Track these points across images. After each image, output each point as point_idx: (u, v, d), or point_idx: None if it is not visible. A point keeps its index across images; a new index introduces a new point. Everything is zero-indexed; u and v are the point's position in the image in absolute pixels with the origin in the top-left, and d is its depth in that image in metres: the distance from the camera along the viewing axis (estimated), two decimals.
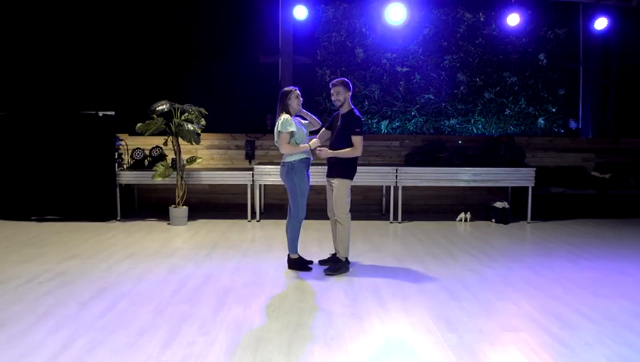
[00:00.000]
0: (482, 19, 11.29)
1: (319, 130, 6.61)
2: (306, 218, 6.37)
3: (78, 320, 4.68)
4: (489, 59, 11.32)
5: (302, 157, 6.19)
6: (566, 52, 11.62)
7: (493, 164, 9.97)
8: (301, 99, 6.29)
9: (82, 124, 9.40)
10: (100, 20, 10.78)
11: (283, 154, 6.22)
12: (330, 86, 6.34)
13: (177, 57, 11.03)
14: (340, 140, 6.27)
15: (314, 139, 6.36)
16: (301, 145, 6.14)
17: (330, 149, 6.36)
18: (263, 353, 4.05)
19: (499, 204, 9.79)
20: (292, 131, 6.06)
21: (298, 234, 6.37)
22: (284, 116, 6.11)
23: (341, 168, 6.28)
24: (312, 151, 6.36)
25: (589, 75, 12.11)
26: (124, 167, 9.95)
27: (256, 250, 7.49)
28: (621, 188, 10.50)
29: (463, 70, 11.29)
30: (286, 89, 6.29)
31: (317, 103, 11.08)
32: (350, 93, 6.31)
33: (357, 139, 6.20)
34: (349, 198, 6.36)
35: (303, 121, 6.44)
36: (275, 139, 6.21)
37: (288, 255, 6.45)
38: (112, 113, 9.45)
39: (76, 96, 10.60)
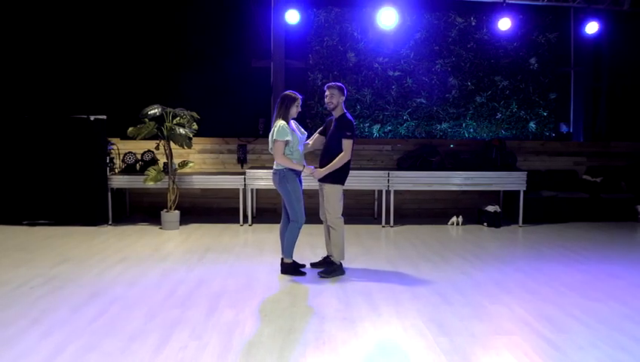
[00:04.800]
0: (474, 23, 11.34)
1: (309, 136, 6.62)
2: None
3: (70, 324, 4.65)
4: (480, 64, 11.37)
5: None
6: (557, 56, 11.70)
7: (485, 168, 9.99)
8: (300, 109, 6.26)
9: (74, 128, 9.36)
10: (91, 25, 10.75)
11: (275, 161, 6.19)
12: (325, 88, 6.34)
13: (169, 61, 11.02)
14: (333, 144, 6.27)
15: (310, 168, 6.25)
16: (294, 162, 6.09)
17: (324, 152, 6.38)
18: (255, 357, 4.04)
19: (491, 208, 9.81)
20: (287, 140, 6.04)
21: (296, 240, 6.34)
22: (281, 123, 6.04)
23: (332, 173, 6.25)
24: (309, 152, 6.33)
25: (580, 79, 12.18)
26: (116, 171, 9.92)
27: (248, 253, 7.48)
28: (612, 192, 10.55)
29: (454, 74, 11.33)
30: (291, 95, 6.19)
31: (309, 107, 11.08)
32: (344, 98, 6.32)
33: (347, 143, 6.19)
34: (342, 203, 6.35)
35: (302, 129, 6.39)
36: (270, 146, 6.17)
37: (282, 259, 6.43)
38: (104, 117, 9.42)
39: (68, 100, 10.55)
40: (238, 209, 9.75)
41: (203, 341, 4.34)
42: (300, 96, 6.23)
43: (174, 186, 9.35)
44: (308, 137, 6.56)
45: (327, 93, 6.31)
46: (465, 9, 11.30)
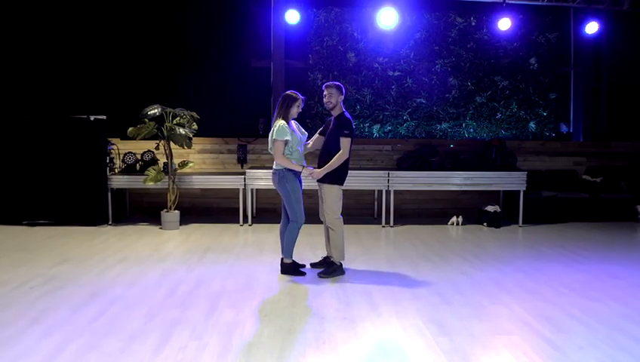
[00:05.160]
0: (474, 23, 11.34)
1: (309, 136, 6.62)
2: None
3: (70, 324, 4.65)
4: (480, 64, 11.38)
5: None
6: (557, 56, 11.70)
7: (485, 168, 9.99)
8: (301, 109, 6.27)
9: (74, 128, 9.36)
10: (92, 24, 10.75)
11: (275, 161, 6.19)
12: (324, 87, 6.35)
13: (169, 61, 11.02)
14: (332, 142, 6.26)
15: (309, 168, 6.24)
16: (294, 163, 6.09)
17: (322, 151, 6.38)
18: (255, 357, 4.04)
19: (490, 208, 9.81)
20: (287, 140, 6.04)
21: (296, 240, 6.34)
22: (281, 123, 6.04)
23: (330, 173, 6.23)
24: (308, 154, 6.33)
25: (580, 79, 12.19)
26: (116, 171, 9.93)
27: (248, 253, 7.48)
28: (612, 192, 10.55)
29: (454, 74, 11.34)
30: (292, 95, 6.19)
31: (309, 107, 11.08)
32: (342, 97, 6.33)
33: (345, 141, 6.18)
34: (341, 203, 6.34)
35: (303, 129, 6.41)
36: (270, 146, 6.18)
37: (282, 259, 6.43)
38: (104, 117, 9.42)
39: (68, 100, 10.55)
40: (238, 209, 9.75)
41: (203, 341, 4.34)
42: (301, 97, 6.23)
43: (174, 186, 9.35)
44: (309, 137, 6.57)
45: (325, 92, 6.31)
46: (465, 9, 11.30)
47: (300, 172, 6.17)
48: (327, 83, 6.38)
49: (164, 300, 5.38)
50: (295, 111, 6.19)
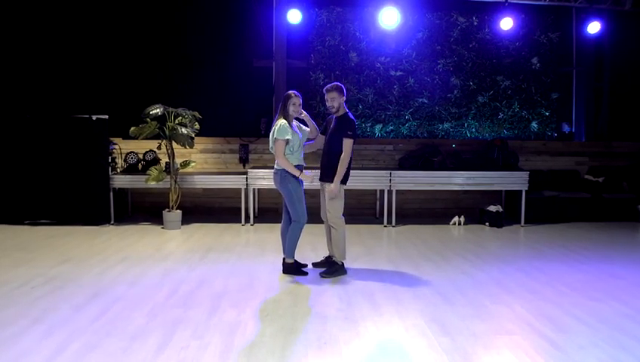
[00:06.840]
0: (476, 23, 11.33)
1: (315, 137, 6.59)
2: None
3: (72, 324, 4.66)
4: (482, 63, 11.36)
5: (294, 163, 6.14)
6: (559, 56, 11.70)
7: (487, 168, 9.99)
8: (299, 107, 6.18)
9: (76, 127, 9.38)
10: (93, 24, 10.75)
11: (276, 161, 6.19)
12: (324, 92, 6.31)
13: (171, 61, 11.02)
14: (334, 143, 6.24)
15: (310, 174, 6.25)
16: (295, 168, 6.08)
17: (325, 152, 6.38)
18: (257, 357, 4.04)
19: (492, 208, 9.81)
20: (288, 139, 6.04)
21: (298, 239, 6.33)
22: (282, 122, 6.04)
23: (333, 172, 6.21)
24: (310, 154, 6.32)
25: (582, 78, 12.17)
26: (118, 170, 9.93)
27: (250, 253, 7.48)
28: (614, 192, 10.54)
29: (456, 74, 11.33)
30: (289, 93, 6.20)
31: (311, 107, 11.07)
32: (344, 98, 6.30)
33: (347, 142, 6.15)
34: (343, 202, 6.33)
35: (303, 128, 6.42)
36: (270, 145, 6.18)
37: (284, 259, 6.42)
38: (106, 117, 9.43)
39: (70, 99, 10.55)
40: (239, 208, 9.76)
41: (205, 340, 4.34)
42: (295, 94, 6.18)
43: (176, 186, 9.35)
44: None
45: (326, 97, 6.24)
46: (467, 9, 11.29)
47: (302, 171, 6.17)
48: (327, 86, 6.28)
49: (165, 300, 5.39)
50: (292, 109, 6.13)
